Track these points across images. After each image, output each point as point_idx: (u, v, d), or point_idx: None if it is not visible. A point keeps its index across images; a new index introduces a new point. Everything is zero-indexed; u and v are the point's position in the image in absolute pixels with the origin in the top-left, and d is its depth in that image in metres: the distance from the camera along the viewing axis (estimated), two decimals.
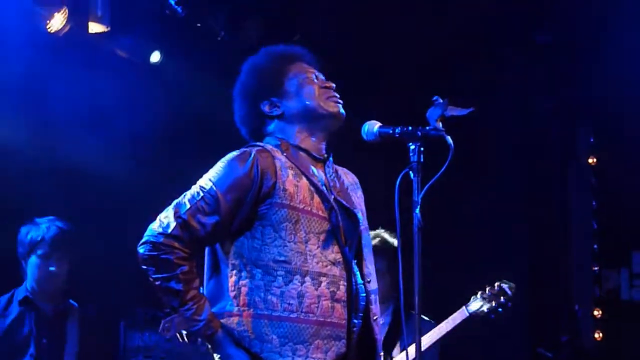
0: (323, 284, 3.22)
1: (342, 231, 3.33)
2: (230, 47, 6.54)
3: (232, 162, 3.29)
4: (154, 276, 3.18)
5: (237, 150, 3.34)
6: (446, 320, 5.01)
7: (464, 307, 4.97)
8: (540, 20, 7.21)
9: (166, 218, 3.20)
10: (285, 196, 3.24)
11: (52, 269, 5.22)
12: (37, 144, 5.95)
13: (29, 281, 5.25)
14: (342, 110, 3.46)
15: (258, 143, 3.40)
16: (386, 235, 5.28)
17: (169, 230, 3.17)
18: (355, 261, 3.36)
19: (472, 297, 4.97)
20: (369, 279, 3.38)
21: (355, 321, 3.30)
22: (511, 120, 7.75)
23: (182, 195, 3.26)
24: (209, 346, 3.21)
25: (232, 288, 3.23)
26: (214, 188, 3.23)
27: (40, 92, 6.04)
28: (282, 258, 3.19)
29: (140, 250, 3.20)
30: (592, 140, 7.86)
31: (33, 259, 5.22)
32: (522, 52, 7.47)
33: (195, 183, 3.31)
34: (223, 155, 3.36)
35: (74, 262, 5.28)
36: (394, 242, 5.20)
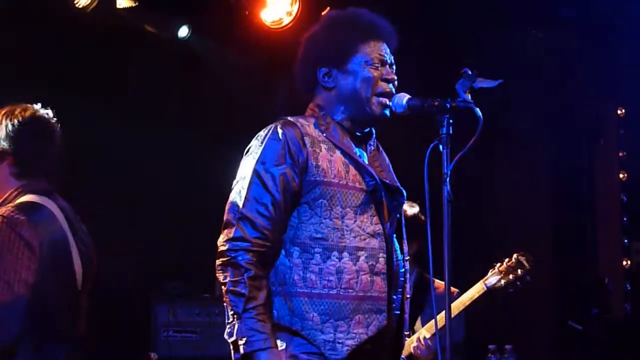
0: (362, 259, 3.18)
1: (384, 207, 3.29)
2: (258, 22, 6.52)
3: (263, 141, 3.21)
4: (223, 281, 3.08)
5: (263, 130, 3.26)
6: (465, 294, 4.90)
7: (481, 281, 4.89)
8: None
9: (226, 225, 3.12)
10: (319, 172, 3.18)
11: None
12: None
13: None
14: (387, 114, 3.33)
15: (287, 117, 3.29)
16: (405, 206, 5.23)
17: (231, 235, 3.09)
18: (396, 237, 3.33)
19: (490, 271, 4.86)
20: (407, 257, 3.36)
21: (394, 297, 3.27)
22: (537, 95, 7.70)
23: (231, 196, 3.18)
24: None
25: (270, 268, 3.17)
26: (257, 171, 3.15)
27: (68, 67, 6.07)
28: (319, 235, 3.15)
29: (216, 264, 3.11)
30: (620, 113, 7.80)
31: None
32: (546, 27, 7.42)
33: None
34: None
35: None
36: (413, 211, 5.13)
